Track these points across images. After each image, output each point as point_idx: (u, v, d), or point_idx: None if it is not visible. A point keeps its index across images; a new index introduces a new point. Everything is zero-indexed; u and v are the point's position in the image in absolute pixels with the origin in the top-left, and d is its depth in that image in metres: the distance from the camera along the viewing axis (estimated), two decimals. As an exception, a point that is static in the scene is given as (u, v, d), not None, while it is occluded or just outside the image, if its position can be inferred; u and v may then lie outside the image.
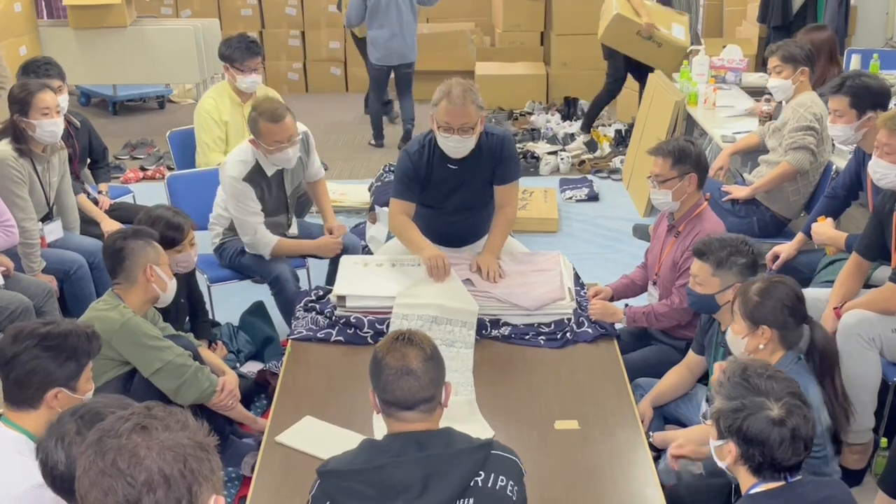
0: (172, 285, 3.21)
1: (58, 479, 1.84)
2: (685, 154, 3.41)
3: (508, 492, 1.98)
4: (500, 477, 1.98)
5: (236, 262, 4.09)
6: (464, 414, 2.85)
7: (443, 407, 2.10)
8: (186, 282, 3.71)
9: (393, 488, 1.92)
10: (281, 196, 4.05)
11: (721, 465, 2.06)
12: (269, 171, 3.92)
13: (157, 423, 1.38)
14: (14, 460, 2.10)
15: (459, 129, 3.45)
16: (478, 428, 2.76)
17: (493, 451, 2.02)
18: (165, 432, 1.37)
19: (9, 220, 3.79)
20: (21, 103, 3.93)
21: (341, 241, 4.08)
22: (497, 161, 3.64)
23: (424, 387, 2.02)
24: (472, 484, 1.95)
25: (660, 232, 3.62)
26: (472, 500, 1.94)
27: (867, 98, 3.64)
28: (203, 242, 3.88)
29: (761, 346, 2.57)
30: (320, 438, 2.73)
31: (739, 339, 2.64)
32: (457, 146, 3.51)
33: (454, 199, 3.71)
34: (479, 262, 3.57)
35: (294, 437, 2.75)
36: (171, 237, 3.43)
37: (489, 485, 1.96)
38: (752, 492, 1.98)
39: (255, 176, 3.87)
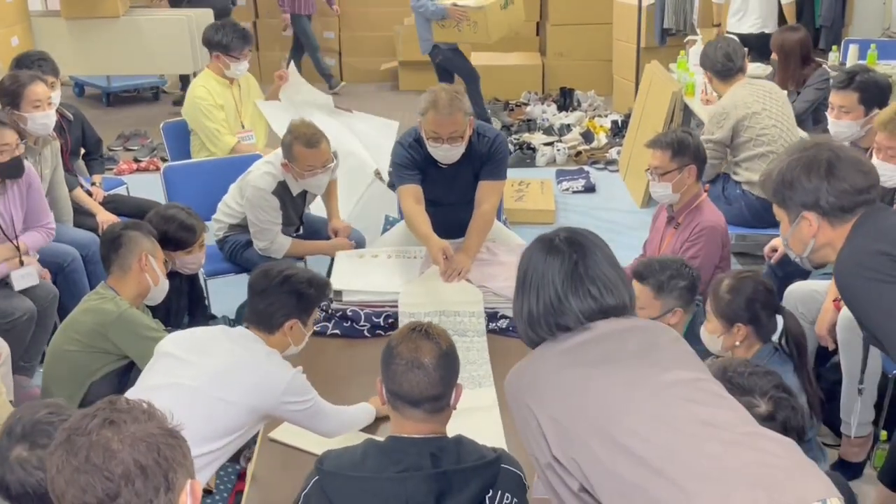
0: (164, 284, 3.18)
1: (43, 497, 1.76)
2: (684, 146, 3.39)
3: None
4: (507, 494, 1.94)
5: (239, 255, 4.07)
6: (483, 409, 2.82)
7: (451, 409, 2.05)
8: (189, 279, 3.68)
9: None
10: (299, 209, 4.08)
11: None
12: (295, 191, 3.93)
13: (124, 416, 1.39)
14: (273, 359, 2.51)
15: (448, 137, 3.44)
16: (488, 433, 2.68)
17: (502, 467, 1.97)
18: (134, 424, 1.38)
19: (49, 221, 3.80)
20: (12, 95, 3.91)
21: (351, 241, 4.08)
22: (486, 159, 3.62)
23: (433, 384, 1.96)
24: (482, 502, 1.92)
25: (658, 224, 3.60)
26: None
27: (876, 94, 3.64)
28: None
29: (737, 343, 2.59)
30: (313, 434, 2.71)
31: (715, 337, 2.65)
32: (446, 154, 3.51)
33: (444, 195, 3.70)
34: (452, 259, 3.54)
35: (287, 434, 2.73)
36: (183, 238, 3.41)
37: (496, 502, 1.93)
38: None
39: (281, 190, 3.87)
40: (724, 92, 4.48)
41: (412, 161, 3.61)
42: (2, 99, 3.96)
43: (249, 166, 4.31)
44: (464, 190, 3.67)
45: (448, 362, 2.00)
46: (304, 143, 3.71)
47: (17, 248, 3.63)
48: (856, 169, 2.33)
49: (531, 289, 1.96)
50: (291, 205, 3.96)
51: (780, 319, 2.66)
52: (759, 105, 4.30)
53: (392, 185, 4.44)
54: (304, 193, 3.99)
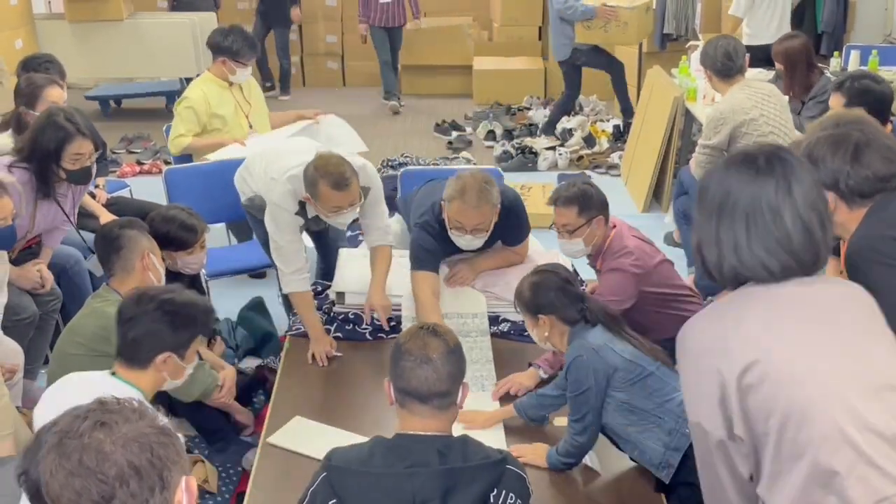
0: (164, 280, 3.19)
1: None
2: (587, 198, 3.28)
3: None
4: (511, 495, 1.96)
5: (262, 240, 3.86)
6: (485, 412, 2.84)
7: (458, 407, 2.07)
8: (190, 280, 3.69)
9: (411, 499, 1.89)
10: (318, 227, 3.80)
11: None
12: (310, 214, 3.49)
13: (115, 417, 1.38)
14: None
15: (473, 229, 3.27)
16: (491, 437, 2.69)
17: (507, 467, 1.99)
18: (126, 425, 1.37)
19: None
20: (29, 96, 4.01)
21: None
22: (505, 224, 3.45)
23: (441, 379, 1.99)
24: (486, 500, 1.94)
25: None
26: None
27: (863, 102, 3.63)
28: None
29: (546, 334, 2.68)
30: (312, 438, 2.73)
31: (533, 333, 2.75)
32: (469, 244, 3.34)
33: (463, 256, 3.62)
34: (459, 264, 3.52)
35: (285, 438, 2.75)
36: (184, 238, 3.39)
37: (500, 501, 1.95)
38: None
39: (300, 208, 3.45)
40: (724, 91, 4.46)
41: (434, 246, 3.39)
42: (18, 99, 4.09)
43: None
44: (482, 251, 3.57)
45: (455, 359, 2.04)
46: (331, 184, 3.19)
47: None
48: (881, 156, 2.30)
49: (741, 216, 1.67)
50: (303, 215, 3.61)
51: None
52: (758, 111, 4.28)
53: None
54: (318, 219, 3.60)
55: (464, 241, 3.32)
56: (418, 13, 8.69)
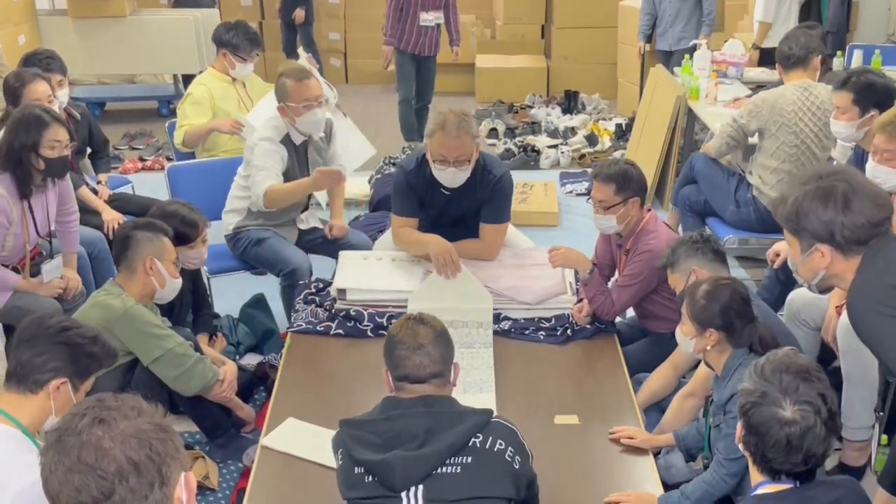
0: (174, 284, 3.19)
1: None
2: (628, 178, 3.31)
3: (507, 456, 2.11)
4: (499, 441, 2.12)
5: (251, 252, 4.00)
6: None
7: (451, 385, 2.24)
8: (191, 276, 3.70)
9: (397, 437, 2.09)
10: (303, 161, 4.02)
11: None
12: (297, 141, 3.95)
13: (113, 414, 1.40)
14: (10, 455, 2.06)
15: (455, 161, 3.42)
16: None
17: (493, 419, 2.16)
18: (124, 421, 1.39)
19: (72, 205, 3.88)
20: (13, 94, 3.98)
21: (341, 171, 3.92)
22: (489, 196, 3.59)
23: (435, 362, 2.18)
24: (470, 443, 2.09)
25: (612, 244, 3.58)
26: (470, 458, 2.09)
27: (871, 96, 3.61)
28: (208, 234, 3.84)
29: (708, 348, 2.61)
30: (304, 439, 2.73)
31: (688, 339, 2.67)
32: (453, 177, 3.49)
33: (447, 218, 3.69)
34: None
35: (278, 440, 2.74)
36: (186, 234, 3.41)
37: (487, 446, 2.10)
38: (758, 492, 1.96)
39: (286, 141, 3.92)
40: (786, 80, 4.45)
41: (412, 190, 3.59)
42: (6, 96, 4.05)
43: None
44: (461, 214, 3.66)
45: (444, 341, 2.23)
46: (295, 78, 3.80)
47: (51, 243, 3.76)
48: (871, 202, 2.29)
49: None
50: (295, 160, 3.95)
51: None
52: (796, 118, 4.23)
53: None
54: (305, 152, 3.98)
55: (447, 174, 3.46)
56: (458, 39, 7.12)
